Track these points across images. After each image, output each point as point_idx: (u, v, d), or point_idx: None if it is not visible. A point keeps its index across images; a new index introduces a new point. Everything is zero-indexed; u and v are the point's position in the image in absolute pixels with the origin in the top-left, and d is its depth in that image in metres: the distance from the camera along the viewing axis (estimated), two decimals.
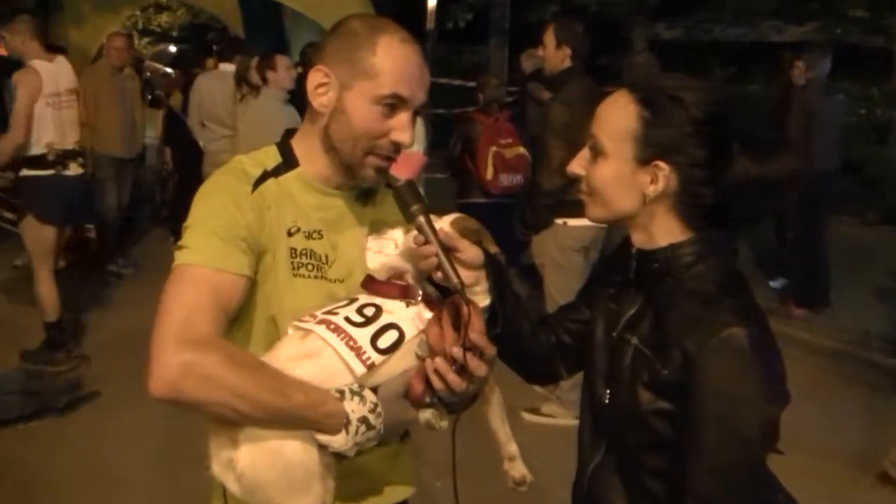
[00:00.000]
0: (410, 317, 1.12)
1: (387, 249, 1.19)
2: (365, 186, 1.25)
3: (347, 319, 1.10)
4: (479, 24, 10.55)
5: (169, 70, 9.19)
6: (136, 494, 2.93)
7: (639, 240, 1.15)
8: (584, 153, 1.16)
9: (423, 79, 1.19)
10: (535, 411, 3.58)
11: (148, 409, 2.90)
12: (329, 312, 1.12)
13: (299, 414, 1.03)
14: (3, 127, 4.00)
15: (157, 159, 6.98)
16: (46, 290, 3.95)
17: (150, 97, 7.05)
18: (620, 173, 1.11)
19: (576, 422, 1.29)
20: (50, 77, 3.89)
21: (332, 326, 1.09)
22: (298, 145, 1.25)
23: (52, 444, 3.23)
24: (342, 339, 1.07)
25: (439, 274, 1.12)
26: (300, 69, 4.83)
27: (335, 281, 1.21)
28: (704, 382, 1.02)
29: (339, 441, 1.04)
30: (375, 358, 1.08)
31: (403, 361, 1.11)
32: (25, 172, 3.92)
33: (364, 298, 1.14)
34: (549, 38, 3.46)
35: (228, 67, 5.38)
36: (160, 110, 6.85)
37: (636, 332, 1.13)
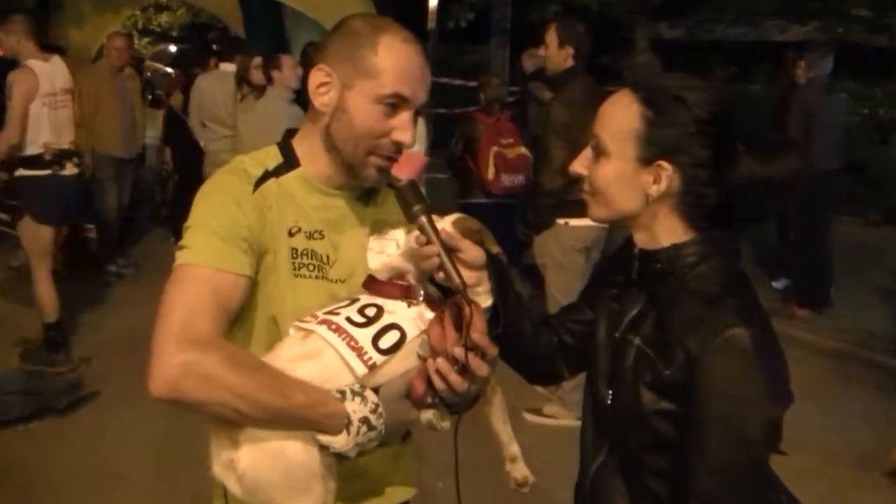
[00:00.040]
0: (412, 317, 1.12)
1: (388, 250, 1.19)
2: (366, 186, 1.25)
3: (349, 320, 1.10)
4: (481, 23, 10.54)
5: (169, 70, 9.19)
6: (137, 495, 2.93)
7: (641, 240, 1.15)
8: (587, 153, 1.16)
9: (425, 78, 1.19)
10: (537, 412, 3.57)
11: (148, 409, 2.91)
12: (330, 313, 1.12)
13: (300, 414, 1.03)
14: (0, 127, 3.99)
15: (158, 159, 6.98)
16: (45, 290, 3.95)
17: (150, 97, 7.04)
18: (623, 173, 1.11)
19: (578, 423, 1.29)
20: (46, 77, 3.89)
21: (334, 327, 1.08)
22: (299, 145, 1.24)
23: (52, 445, 3.23)
24: (343, 340, 1.07)
25: (441, 274, 1.11)
26: (301, 69, 4.82)
27: (336, 281, 1.20)
28: (707, 383, 1.02)
29: (340, 441, 1.04)
30: (377, 358, 1.08)
31: (405, 362, 1.11)
32: (22, 172, 3.91)
33: (365, 299, 1.14)
34: (551, 37, 3.45)
35: (229, 67, 5.38)
36: (160, 110, 6.85)
37: (639, 332, 1.13)
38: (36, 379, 3.41)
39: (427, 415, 1.15)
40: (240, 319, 1.15)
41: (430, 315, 1.13)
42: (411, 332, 1.11)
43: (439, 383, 1.10)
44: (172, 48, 15.47)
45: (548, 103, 3.72)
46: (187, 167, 5.83)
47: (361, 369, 1.07)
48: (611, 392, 1.17)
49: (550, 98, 3.75)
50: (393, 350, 1.09)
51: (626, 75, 5.58)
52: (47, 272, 3.98)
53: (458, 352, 1.08)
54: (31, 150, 3.87)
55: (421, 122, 3.95)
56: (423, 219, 1.12)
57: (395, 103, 1.16)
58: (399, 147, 1.19)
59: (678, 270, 1.10)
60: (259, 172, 1.19)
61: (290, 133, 1.28)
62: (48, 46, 4.18)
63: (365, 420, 1.05)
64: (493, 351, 1.13)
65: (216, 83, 5.40)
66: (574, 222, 3.38)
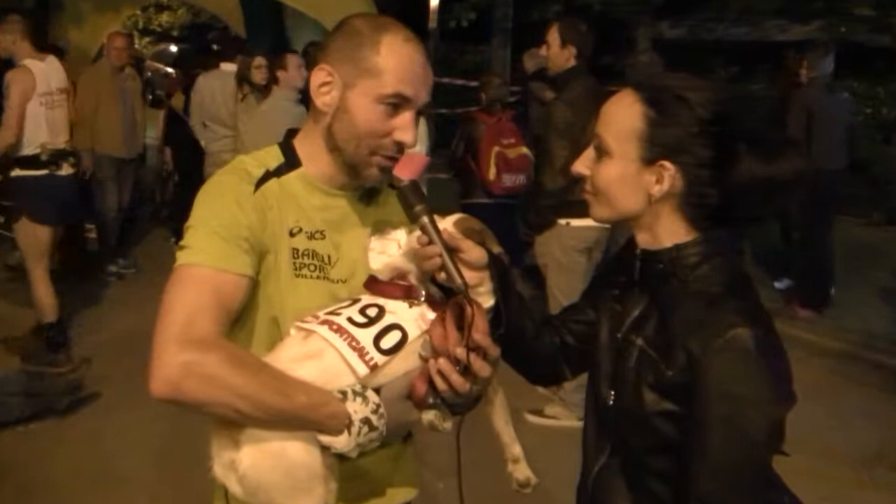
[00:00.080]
0: (413, 317, 1.12)
1: (390, 250, 1.19)
2: (368, 186, 1.24)
3: (350, 320, 1.09)
4: (482, 23, 10.54)
5: (169, 70, 9.19)
6: (138, 496, 2.93)
7: (643, 240, 1.15)
8: (589, 153, 1.16)
9: (427, 78, 1.19)
10: (539, 413, 3.57)
11: (149, 410, 2.90)
12: (331, 313, 1.11)
13: (301, 415, 1.03)
14: None
15: (158, 159, 6.98)
16: (43, 291, 3.95)
17: (150, 97, 7.04)
18: (625, 173, 1.11)
19: (579, 423, 1.28)
20: (42, 76, 3.90)
21: (335, 327, 1.08)
22: (301, 145, 1.24)
23: (52, 446, 3.23)
24: (345, 340, 1.07)
25: (443, 274, 1.11)
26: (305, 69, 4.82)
27: (338, 281, 1.20)
28: (709, 383, 1.02)
29: (341, 442, 1.03)
30: (378, 358, 1.07)
31: (406, 362, 1.11)
32: (18, 173, 3.91)
33: (367, 299, 1.14)
34: (554, 37, 3.44)
35: (229, 67, 5.38)
36: (161, 110, 6.84)
37: (641, 333, 1.12)
38: (37, 380, 3.41)
39: (429, 415, 1.15)
40: (241, 320, 1.15)
41: (431, 315, 1.12)
42: (413, 333, 1.11)
43: (441, 384, 1.10)
44: (173, 48, 15.47)
45: (550, 103, 3.71)
46: (188, 167, 5.83)
47: (363, 370, 1.06)
48: (613, 393, 1.16)
49: (552, 98, 3.75)
50: (394, 350, 1.09)
51: (628, 75, 5.57)
52: (45, 273, 3.98)
53: (460, 352, 1.08)
54: (28, 150, 3.87)
55: (422, 122, 3.94)
56: (425, 219, 1.12)
57: (396, 103, 1.16)
58: (401, 147, 1.18)
59: (680, 271, 1.10)
60: (260, 172, 1.19)
61: (292, 133, 1.27)
62: (45, 46, 4.18)
63: (366, 421, 1.04)
64: (494, 351, 1.12)
65: (216, 83, 5.40)
66: (575, 223, 3.38)
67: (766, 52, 10.22)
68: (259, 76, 5.08)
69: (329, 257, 1.21)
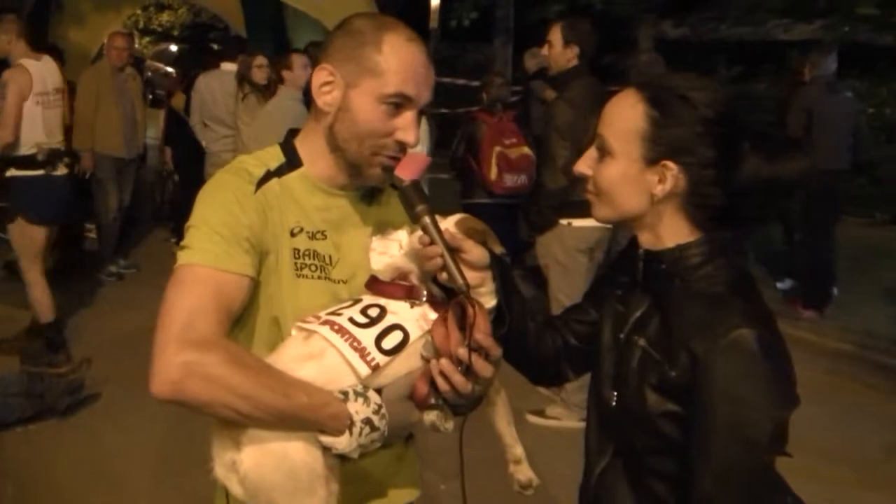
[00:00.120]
0: (415, 318, 1.12)
1: (391, 250, 1.18)
2: (370, 185, 1.24)
3: (351, 320, 1.09)
4: (484, 22, 10.53)
5: (169, 69, 9.20)
6: (138, 497, 2.92)
7: (646, 240, 1.14)
8: (591, 153, 1.15)
9: (429, 78, 1.19)
10: (541, 414, 3.56)
11: (150, 410, 2.92)
12: (333, 313, 1.11)
13: (302, 415, 1.02)
14: None
15: (158, 159, 6.98)
16: (39, 292, 3.94)
17: (150, 97, 7.04)
18: (628, 173, 1.10)
19: (581, 424, 1.28)
20: (39, 76, 3.90)
21: (336, 327, 1.08)
22: (302, 145, 1.24)
23: (53, 447, 3.23)
24: (346, 340, 1.07)
25: (444, 275, 1.11)
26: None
27: (339, 282, 1.20)
28: (712, 385, 1.01)
29: (342, 443, 1.03)
30: (380, 359, 1.07)
31: (408, 362, 1.11)
32: (14, 173, 3.90)
33: (368, 299, 1.14)
34: (556, 36, 3.43)
35: (230, 67, 5.37)
36: (161, 110, 6.85)
37: (644, 333, 1.12)
38: (37, 381, 3.39)
39: (430, 416, 1.15)
40: (241, 320, 1.14)
41: (433, 316, 1.12)
42: (414, 333, 1.10)
43: (443, 384, 1.09)
44: (173, 48, 15.48)
45: (551, 103, 3.71)
46: (189, 167, 5.83)
47: (364, 370, 1.06)
48: (615, 394, 1.16)
49: (554, 97, 3.74)
50: (396, 351, 1.08)
51: (630, 75, 5.56)
52: (40, 274, 3.97)
53: (462, 352, 1.07)
54: (24, 149, 3.86)
55: (424, 122, 3.95)
56: (427, 219, 1.11)
57: (398, 103, 1.15)
58: (403, 147, 1.18)
59: (683, 271, 1.10)
60: (261, 172, 1.19)
61: (293, 133, 1.27)
62: (43, 47, 4.19)
63: (368, 421, 1.04)
64: (496, 351, 1.12)
65: (216, 83, 5.39)
66: (577, 223, 3.37)
67: (769, 51, 10.21)
68: (260, 76, 5.08)
69: (330, 257, 1.20)
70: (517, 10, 10.50)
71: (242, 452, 1.03)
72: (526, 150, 4.61)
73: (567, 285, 3.42)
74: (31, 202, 3.91)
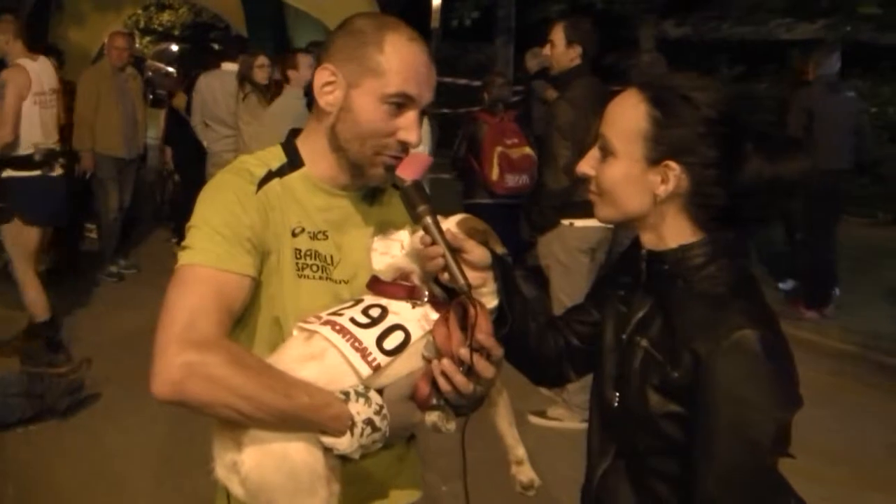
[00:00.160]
0: (416, 318, 1.11)
1: (393, 250, 1.18)
2: (372, 185, 1.24)
3: (353, 320, 1.09)
4: (485, 22, 10.53)
5: (170, 69, 9.21)
6: (139, 497, 2.92)
7: (649, 241, 1.14)
8: (594, 153, 1.15)
9: (431, 78, 1.18)
10: (542, 415, 3.56)
11: (150, 411, 2.92)
12: (334, 314, 1.11)
13: (303, 416, 1.02)
14: None
15: (159, 159, 6.99)
16: (34, 292, 3.94)
17: (151, 97, 7.04)
18: (630, 173, 1.10)
19: (583, 425, 1.28)
20: (36, 76, 3.90)
21: (338, 327, 1.08)
22: (304, 145, 1.24)
23: (53, 447, 3.22)
24: (347, 341, 1.06)
25: (446, 275, 1.10)
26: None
27: (340, 282, 1.20)
28: (715, 385, 1.01)
29: (343, 443, 1.03)
30: (381, 359, 1.07)
31: (409, 363, 1.10)
32: (10, 174, 3.89)
33: (369, 299, 1.13)
34: (558, 36, 3.42)
35: (231, 67, 5.37)
36: (162, 110, 6.84)
37: (646, 334, 1.12)
38: (37, 381, 3.39)
39: (432, 417, 1.14)
40: (242, 320, 1.14)
41: (434, 316, 1.12)
42: (416, 333, 1.10)
43: (444, 385, 1.09)
44: (174, 47, 15.49)
45: (553, 103, 3.70)
46: (189, 167, 5.83)
47: (365, 370, 1.06)
48: (618, 395, 1.16)
49: (555, 97, 3.73)
50: (397, 351, 1.08)
51: (632, 74, 5.56)
52: (34, 274, 3.97)
53: (464, 353, 1.07)
54: (21, 150, 3.86)
55: (425, 122, 3.93)
56: (428, 219, 1.11)
57: (400, 103, 1.15)
58: (405, 147, 1.18)
59: (686, 272, 1.09)
60: (262, 172, 1.19)
61: (294, 133, 1.27)
62: (42, 47, 4.19)
63: (369, 422, 1.04)
64: (498, 352, 1.12)
65: (217, 83, 5.39)
66: (579, 223, 3.36)
67: (771, 51, 10.20)
68: (262, 75, 5.08)
69: (331, 258, 1.20)
70: (518, 9, 10.50)
71: (243, 453, 1.03)
72: (527, 150, 4.60)
73: (568, 285, 3.41)
74: (28, 203, 3.91)
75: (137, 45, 9.59)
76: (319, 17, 6.65)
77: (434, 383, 1.10)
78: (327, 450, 1.04)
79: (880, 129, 8.10)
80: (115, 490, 2.95)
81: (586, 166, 1.15)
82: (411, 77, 1.15)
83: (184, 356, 0.99)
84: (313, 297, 1.16)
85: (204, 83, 5.47)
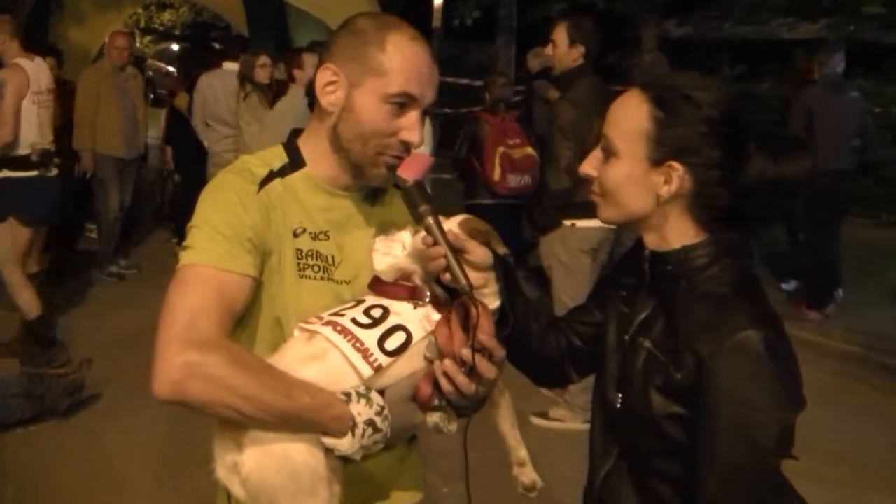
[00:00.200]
0: (418, 318, 1.11)
1: (394, 251, 1.18)
2: (374, 185, 1.23)
3: (354, 321, 1.09)
4: (487, 21, 10.53)
5: (171, 69, 9.22)
6: (139, 498, 2.92)
7: (652, 241, 1.14)
8: (596, 154, 1.15)
9: (433, 77, 1.18)
10: (544, 416, 3.55)
11: (151, 411, 2.92)
12: (335, 314, 1.11)
13: (305, 416, 1.02)
14: None
15: (160, 159, 6.99)
16: (22, 290, 3.92)
17: (151, 96, 7.04)
18: (633, 174, 1.10)
19: (585, 426, 1.27)
20: (34, 75, 3.90)
21: (339, 328, 1.07)
22: (305, 145, 1.23)
23: (53, 448, 3.22)
24: (349, 341, 1.06)
25: (447, 275, 1.10)
26: None
27: (342, 282, 1.19)
28: (718, 387, 1.01)
29: (345, 444, 1.02)
30: (382, 360, 1.06)
31: (411, 363, 1.10)
32: (7, 174, 3.88)
33: (371, 300, 1.13)
34: (561, 35, 3.41)
35: (231, 66, 5.37)
36: (163, 109, 6.85)
37: (649, 335, 1.11)
38: (37, 382, 3.39)
39: (434, 418, 1.14)
40: (244, 321, 1.14)
41: (436, 316, 1.12)
42: (417, 334, 1.10)
43: (446, 385, 1.09)
44: (175, 47, 15.51)
45: (554, 103, 3.69)
46: (191, 167, 5.83)
47: (367, 371, 1.05)
48: (620, 396, 1.15)
49: (557, 97, 3.73)
50: (399, 352, 1.08)
51: (634, 74, 5.55)
52: (22, 274, 3.96)
53: (466, 353, 1.07)
54: (18, 149, 3.86)
55: (427, 122, 3.93)
56: (430, 219, 1.11)
57: (403, 102, 1.15)
58: (407, 147, 1.18)
59: (689, 272, 1.09)
60: (264, 172, 1.18)
61: (296, 133, 1.27)
62: (35, 48, 4.19)
63: (370, 423, 1.03)
64: (500, 352, 1.11)
65: (218, 82, 5.39)
66: (581, 224, 3.35)
67: (773, 50, 10.19)
68: (263, 75, 5.09)
69: (333, 258, 1.20)
70: (520, 8, 10.50)
71: (244, 454, 1.03)
72: (529, 150, 4.59)
73: (570, 286, 3.40)
74: (25, 203, 3.91)
75: (138, 45, 9.60)
76: (320, 16, 6.65)
77: (436, 384, 1.10)
78: (328, 451, 1.03)
79: (884, 130, 8.09)
80: (115, 490, 2.94)
81: (589, 167, 1.15)
82: (413, 77, 1.14)
83: (185, 356, 0.99)
84: (315, 297, 1.16)
85: (205, 83, 5.47)
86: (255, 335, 1.17)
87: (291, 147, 1.23)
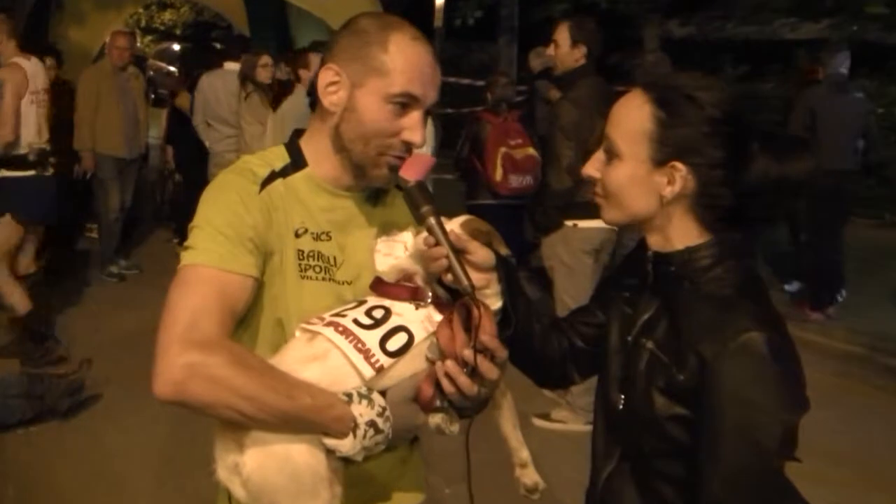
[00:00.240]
0: (420, 319, 1.11)
1: (396, 251, 1.17)
2: (375, 186, 1.23)
3: (356, 321, 1.08)
4: (489, 21, 10.52)
5: (172, 69, 9.23)
6: (140, 498, 2.92)
7: (655, 242, 1.13)
8: (599, 155, 1.14)
9: (435, 77, 1.18)
10: (546, 417, 3.55)
11: (152, 411, 2.92)
12: (337, 315, 1.10)
13: (306, 417, 1.01)
14: None
15: (160, 159, 6.99)
16: (10, 288, 3.92)
17: (152, 96, 7.05)
18: (636, 175, 1.09)
19: (587, 427, 1.27)
20: (31, 75, 3.91)
21: (341, 329, 1.07)
22: (307, 145, 1.23)
23: (54, 448, 3.22)
24: (350, 342, 1.06)
25: (449, 276, 1.10)
26: None
27: (343, 283, 1.19)
28: (721, 388, 1.00)
29: (346, 445, 1.02)
30: (384, 360, 1.06)
31: (413, 364, 1.10)
32: (4, 174, 3.89)
33: (373, 301, 1.13)
34: (563, 36, 3.41)
35: (233, 66, 5.37)
36: (164, 109, 6.85)
37: (652, 336, 1.11)
38: (37, 382, 3.39)
39: (436, 419, 1.13)
40: (245, 321, 1.14)
41: (438, 317, 1.11)
42: (419, 335, 1.09)
43: (448, 386, 1.08)
44: (176, 47, 15.52)
45: (556, 103, 3.69)
46: (192, 168, 5.83)
47: (368, 372, 1.05)
48: (623, 397, 1.15)
49: (559, 97, 3.72)
50: (401, 352, 1.08)
51: (636, 74, 5.55)
52: (8, 272, 3.96)
53: (468, 354, 1.06)
54: (17, 149, 3.87)
55: (429, 122, 3.93)
56: (432, 220, 1.11)
57: (405, 102, 1.14)
58: (409, 147, 1.17)
59: (692, 273, 1.08)
60: (266, 173, 1.18)
61: (298, 133, 1.27)
62: (32, 48, 4.20)
63: (372, 423, 1.03)
64: (502, 353, 1.11)
65: (219, 82, 5.40)
66: (583, 224, 3.35)
67: (775, 50, 10.18)
68: (265, 75, 5.09)
69: (334, 259, 1.19)
70: (522, 8, 10.48)
71: (245, 454, 1.02)
72: (531, 150, 4.59)
73: (572, 287, 3.40)
74: (23, 202, 3.92)
75: (139, 45, 9.60)
76: (322, 16, 6.66)
77: (437, 385, 1.09)
78: (330, 452, 1.03)
79: (887, 130, 8.07)
80: (115, 491, 2.94)
81: (592, 169, 1.15)
82: (416, 77, 1.14)
83: (186, 356, 0.98)
84: (316, 298, 1.15)
85: (206, 82, 5.47)
86: (256, 336, 1.16)
87: (293, 147, 1.23)
